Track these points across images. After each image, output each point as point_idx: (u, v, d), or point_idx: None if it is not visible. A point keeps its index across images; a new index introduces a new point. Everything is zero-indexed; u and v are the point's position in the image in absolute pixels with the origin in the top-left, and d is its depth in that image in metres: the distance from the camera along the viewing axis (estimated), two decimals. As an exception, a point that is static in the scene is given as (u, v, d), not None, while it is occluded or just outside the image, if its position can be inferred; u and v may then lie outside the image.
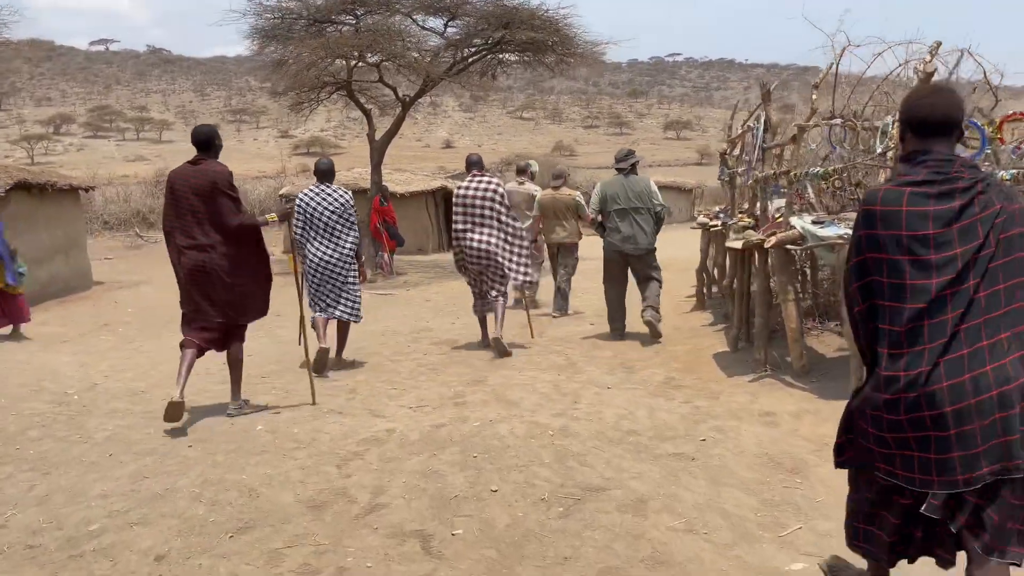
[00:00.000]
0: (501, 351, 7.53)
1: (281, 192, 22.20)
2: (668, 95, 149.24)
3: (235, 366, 5.77)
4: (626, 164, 8.30)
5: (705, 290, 10.64)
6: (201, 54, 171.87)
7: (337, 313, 7.24)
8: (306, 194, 7.19)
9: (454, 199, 7.89)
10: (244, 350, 5.86)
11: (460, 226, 7.76)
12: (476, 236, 7.64)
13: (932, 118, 2.57)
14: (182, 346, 5.55)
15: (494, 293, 7.81)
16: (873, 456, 2.60)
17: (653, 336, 8.03)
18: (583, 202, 9.67)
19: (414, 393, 6.34)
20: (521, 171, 10.65)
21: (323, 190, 7.12)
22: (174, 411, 5.29)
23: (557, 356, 7.59)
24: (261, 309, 5.79)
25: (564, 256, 10.06)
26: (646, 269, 8.20)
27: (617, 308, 8.38)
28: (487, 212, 7.66)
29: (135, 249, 23.01)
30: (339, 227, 7.10)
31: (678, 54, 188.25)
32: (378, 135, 16.49)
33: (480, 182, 7.73)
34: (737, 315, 7.78)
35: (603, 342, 8.15)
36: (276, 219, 6.13)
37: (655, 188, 8.37)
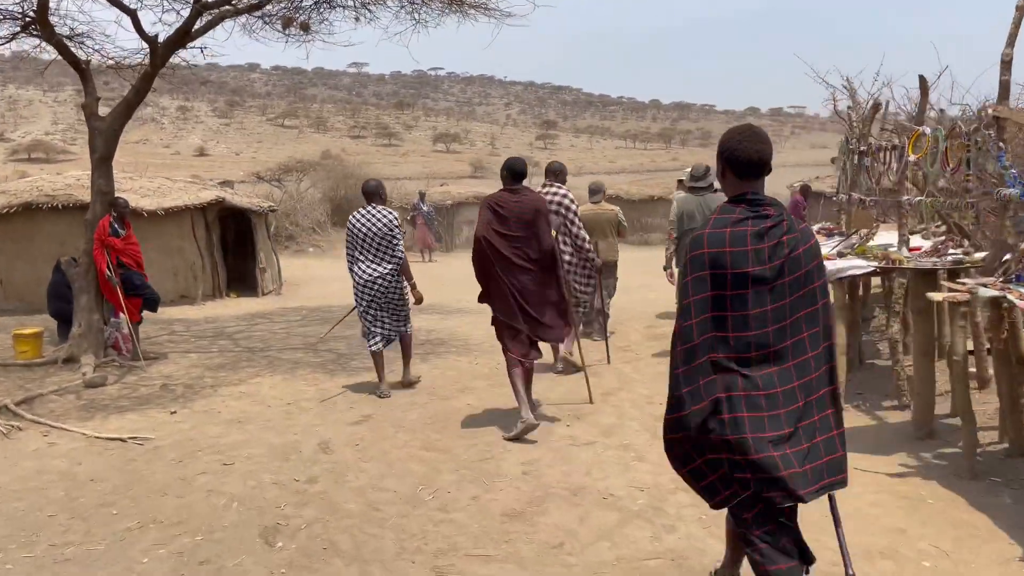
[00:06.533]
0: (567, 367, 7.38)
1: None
2: (434, 108, 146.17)
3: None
4: (705, 183, 7.57)
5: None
6: None
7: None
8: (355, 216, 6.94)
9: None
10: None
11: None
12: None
13: (756, 161, 2.76)
14: (510, 364, 5.81)
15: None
16: None
17: None
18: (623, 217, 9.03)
19: None
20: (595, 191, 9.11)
21: (369, 211, 6.85)
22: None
23: None
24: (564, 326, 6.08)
25: (607, 276, 8.74)
26: None
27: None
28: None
29: None
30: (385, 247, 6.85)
31: (440, 68, 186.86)
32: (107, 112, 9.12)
33: (549, 192, 7.11)
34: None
35: None
36: None
37: None
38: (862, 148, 6.26)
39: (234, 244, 15.33)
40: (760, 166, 2.76)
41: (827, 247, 6.58)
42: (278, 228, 21.40)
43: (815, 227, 9.43)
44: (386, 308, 6.89)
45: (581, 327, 7.95)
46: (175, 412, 6.67)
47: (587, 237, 7.34)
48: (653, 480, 4.70)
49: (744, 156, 2.75)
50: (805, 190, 14.78)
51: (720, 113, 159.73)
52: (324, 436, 5.88)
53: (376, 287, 6.78)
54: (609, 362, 7.95)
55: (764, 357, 2.69)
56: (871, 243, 6.09)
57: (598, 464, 5.09)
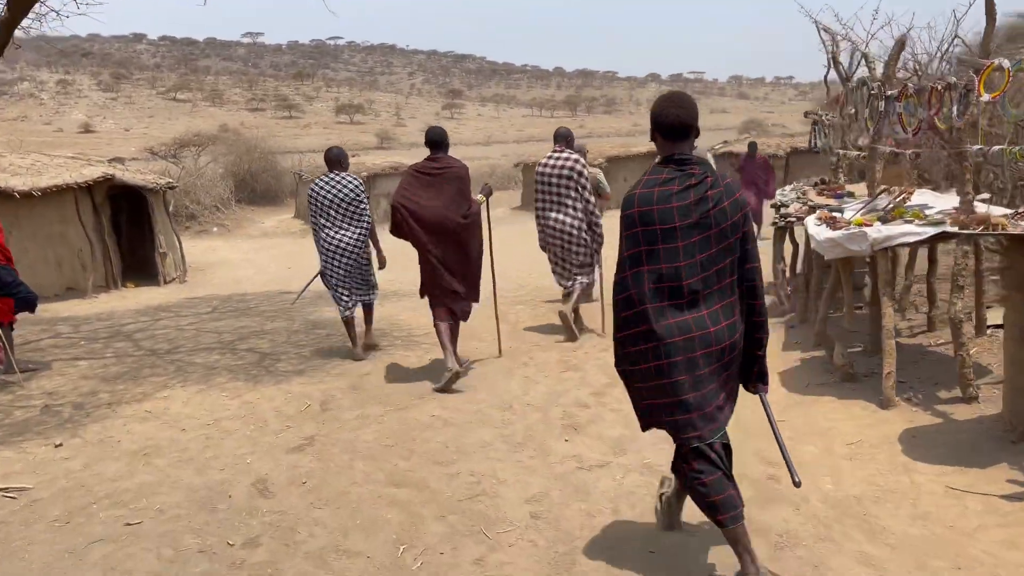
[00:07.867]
0: (567, 330, 7.32)
1: None
2: (334, 78, 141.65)
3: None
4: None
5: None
6: None
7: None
8: (317, 183, 6.97)
9: (535, 176, 7.44)
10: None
11: (539, 204, 7.41)
12: (554, 215, 7.30)
13: (676, 125, 3.03)
14: (437, 319, 6.14)
15: (576, 279, 7.39)
16: None
17: None
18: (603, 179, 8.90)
19: None
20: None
21: (332, 178, 6.93)
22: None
23: None
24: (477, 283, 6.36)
25: None
26: None
27: None
28: (563, 190, 7.22)
29: None
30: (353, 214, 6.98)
31: (339, 37, 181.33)
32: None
33: (559, 158, 7.26)
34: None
35: None
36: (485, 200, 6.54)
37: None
38: (888, 92, 5.28)
39: (128, 227, 13.56)
40: (682, 129, 3.03)
41: (851, 210, 5.63)
42: (177, 207, 19.45)
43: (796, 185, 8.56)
44: (354, 274, 7.00)
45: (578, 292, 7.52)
46: (60, 444, 5.27)
47: (596, 204, 7.39)
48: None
49: (666, 121, 3.03)
50: (752, 147, 14.15)
51: (623, 80, 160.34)
52: (259, 471, 4.62)
53: (345, 253, 6.90)
54: (604, 331, 7.34)
55: (694, 301, 2.98)
56: (908, 204, 5.15)
57: (624, 497, 4.01)
